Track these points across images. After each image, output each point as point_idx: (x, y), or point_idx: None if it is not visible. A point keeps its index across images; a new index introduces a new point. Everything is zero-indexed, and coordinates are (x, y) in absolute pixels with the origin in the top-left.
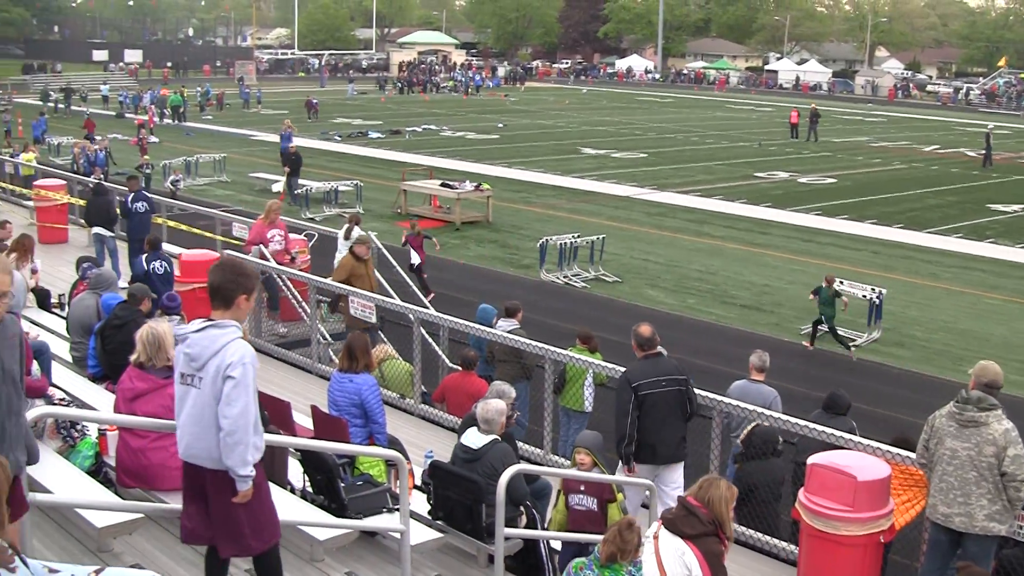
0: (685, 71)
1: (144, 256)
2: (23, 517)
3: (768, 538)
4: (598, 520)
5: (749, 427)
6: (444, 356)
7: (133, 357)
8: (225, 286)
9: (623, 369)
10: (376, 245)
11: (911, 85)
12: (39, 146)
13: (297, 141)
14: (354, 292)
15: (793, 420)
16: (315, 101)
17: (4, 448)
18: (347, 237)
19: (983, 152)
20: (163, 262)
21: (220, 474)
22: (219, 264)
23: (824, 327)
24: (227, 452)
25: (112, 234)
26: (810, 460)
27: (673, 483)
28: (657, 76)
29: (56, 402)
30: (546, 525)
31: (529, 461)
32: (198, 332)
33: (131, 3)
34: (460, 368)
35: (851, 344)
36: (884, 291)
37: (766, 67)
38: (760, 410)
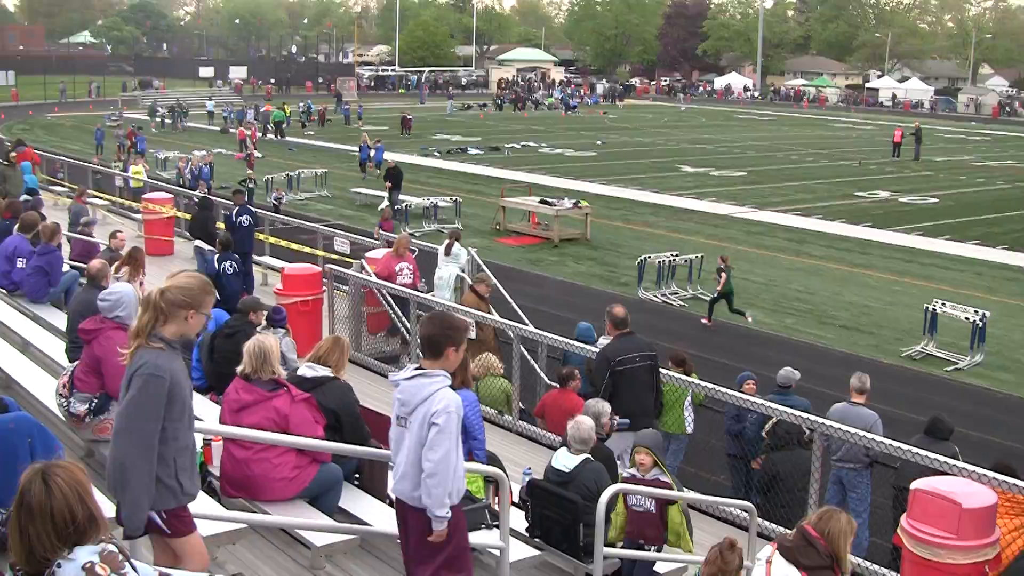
0: (784, 89)
1: (216, 256)
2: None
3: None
4: (656, 523)
5: (773, 420)
6: (542, 373)
7: (239, 368)
8: (435, 338)
9: (723, 389)
10: (477, 262)
11: (1016, 103)
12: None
13: (396, 156)
14: (455, 308)
15: (895, 444)
16: (410, 117)
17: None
18: (447, 253)
19: None
20: (233, 262)
21: (420, 512)
22: (430, 317)
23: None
24: (427, 493)
25: (212, 248)
26: (913, 485)
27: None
28: (756, 94)
29: None
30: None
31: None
32: (409, 380)
33: (237, 21)
34: (557, 385)
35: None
36: (988, 314)
37: (867, 85)
38: (861, 433)
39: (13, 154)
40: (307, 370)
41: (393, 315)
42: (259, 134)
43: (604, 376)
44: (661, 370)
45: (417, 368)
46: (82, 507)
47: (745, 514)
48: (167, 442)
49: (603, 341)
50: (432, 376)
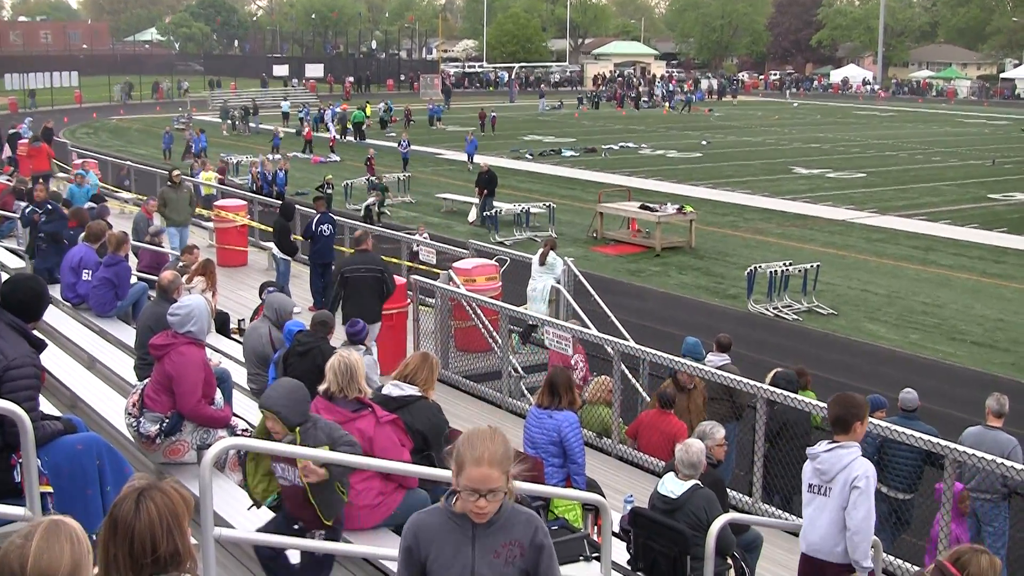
0: (909, 81)
1: (316, 219)
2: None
3: None
4: (302, 502)
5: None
6: (643, 392)
7: (322, 388)
8: (844, 417)
9: None
10: (574, 272)
11: None
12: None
13: (483, 158)
14: (550, 322)
15: None
16: (493, 115)
17: None
18: (542, 263)
19: None
20: (330, 225)
21: (840, 566)
22: (838, 399)
23: None
24: (853, 548)
25: (286, 258)
26: None
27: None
28: (877, 87)
29: (239, 433)
30: None
31: (737, 510)
32: (827, 452)
33: (312, 16)
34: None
35: None
36: None
37: (1002, 75)
38: (998, 460)
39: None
40: (393, 389)
41: (484, 330)
42: (338, 136)
43: (335, 283)
44: (778, 390)
45: (831, 442)
46: (168, 539)
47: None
48: None
49: (712, 358)
50: (848, 447)
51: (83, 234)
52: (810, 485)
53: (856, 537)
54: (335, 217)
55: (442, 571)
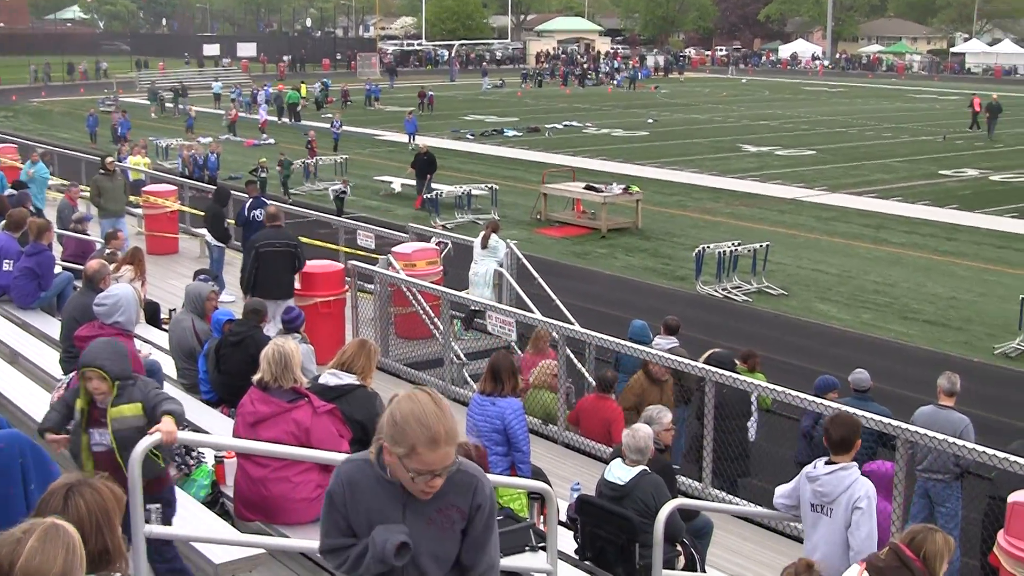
0: (858, 56)
1: (248, 204)
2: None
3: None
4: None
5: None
6: (590, 377)
7: (256, 377)
8: (849, 438)
9: (794, 393)
10: (517, 255)
11: None
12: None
13: (424, 139)
14: (493, 306)
15: (989, 452)
16: (431, 94)
17: None
18: (484, 246)
19: None
20: (263, 210)
21: None
22: (839, 420)
23: None
24: (853, 561)
25: (220, 244)
26: (1011, 498)
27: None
28: (826, 63)
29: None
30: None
31: (686, 495)
32: (829, 475)
33: None
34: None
35: None
36: None
37: (952, 50)
38: (950, 439)
39: None
40: (330, 378)
41: (425, 316)
42: (269, 118)
43: (249, 259)
44: (724, 371)
45: (829, 463)
46: (97, 536)
47: None
48: None
49: (660, 341)
50: (848, 468)
51: (3, 222)
52: (812, 505)
53: (859, 556)
54: (268, 202)
55: (367, 534)
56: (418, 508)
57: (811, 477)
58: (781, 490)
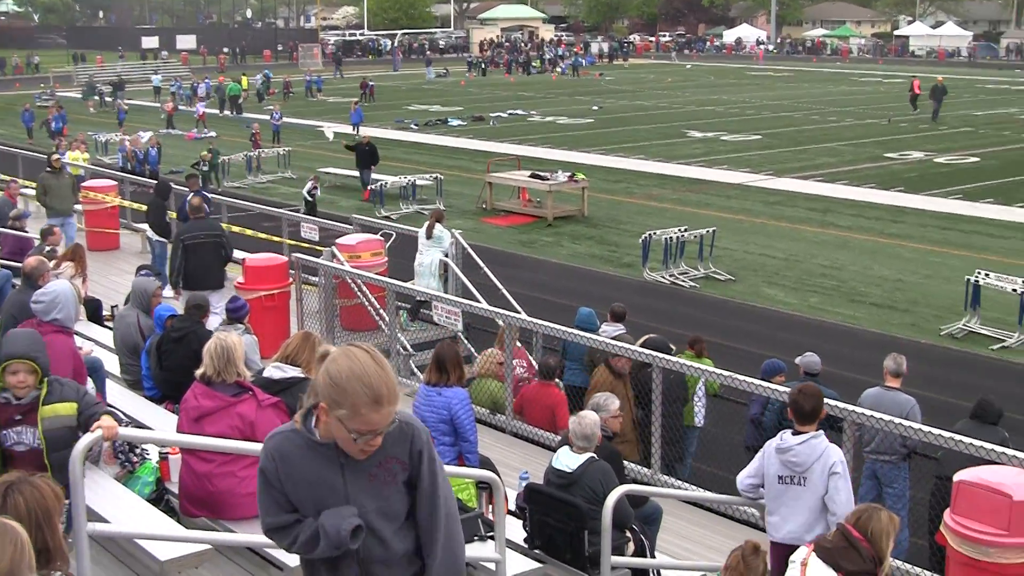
0: (803, 40)
1: (189, 197)
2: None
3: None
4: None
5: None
6: (537, 365)
7: (199, 372)
8: (817, 408)
9: (741, 377)
10: (462, 245)
11: None
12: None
13: (367, 130)
14: (439, 297)
15: (935, 431)
16: (371, 84)
17: None
18: (429, 236)
19: None
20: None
21: None
22: (808, 391)
23: None
24: (832, 526)
25: (162, 239)
26: (957, 477)
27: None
28: (771, 47)
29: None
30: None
31: (636, 482)
32: (801, 444)
33: None
34: (539, 377)
35: None
36: None
37: (895, 32)
38: (897, 420)
39: None
40: (274, 371)
41: (370, 308)
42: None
43: (177, 252)
44: (670, 357)
45: (798, 433)
46: (37, 535)
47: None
48: None
49: (607, 328)
50: (818, 437)
51: None
52: (780, 477)
53: (837, 519)
54: (209, 195)
55: (309, 506)
56: (357, 466)
57: (781, 449)
58: (745, 472)
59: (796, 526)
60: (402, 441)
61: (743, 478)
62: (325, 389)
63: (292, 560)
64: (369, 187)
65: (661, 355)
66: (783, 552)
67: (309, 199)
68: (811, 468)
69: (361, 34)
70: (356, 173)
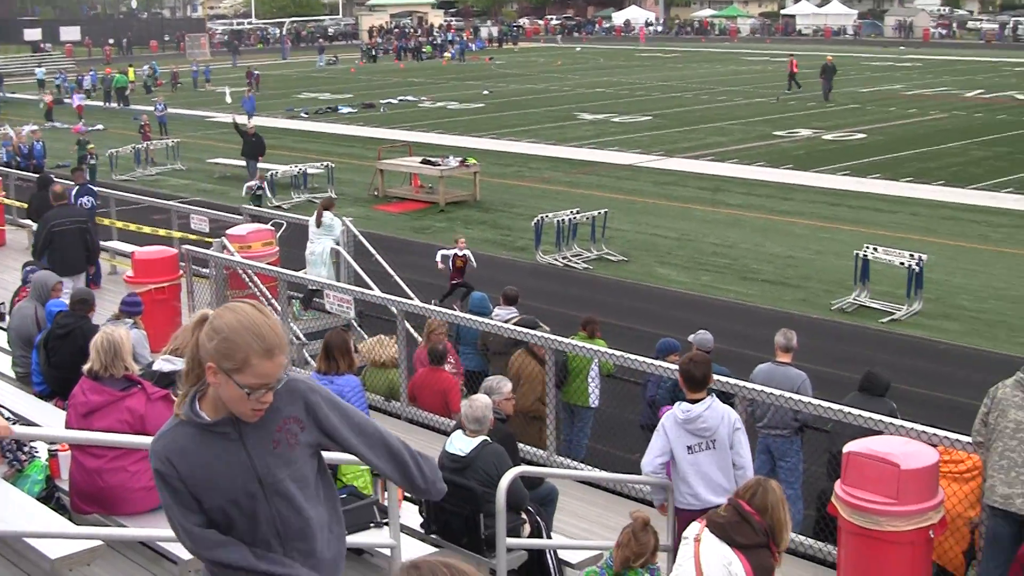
0: (691, 21)
1: (74, 191)
2: None
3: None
4: None
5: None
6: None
7: (86, 367)
8: (707, 374)
9: (633, 357)
10: (354, 232)
11: (950, 23)
12: None
13: (258, 119)
14: (331, 285)
15: (825, 404)
16: (256, 73)
17: None
18: (318, 225)
19: None
20: (91, 197)
21: None
22: (700, 360)
23: None
24: (740, 480)
25: None
26: (846, 448)
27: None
28: (660, 28)
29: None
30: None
31: (532, 463)
32: (707, 410)
33: None
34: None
35: None
36: (925, 257)
37: (782, 12)
38: (788, 395)
39: None
40: (164, 364)
41: (262, 298)
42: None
43: (41, 236)
44: (563, 339)
45: (700, 401)
46: None
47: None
48: None
49: (499, 312)
50: (714, 399)
51: None
52: (688, 447)
53: (746, 472)
54: (95, 188)
55: (218, 493)
56: (257, 436)
57: (688, 419)
58: (651, 454)
59: (709, 489)
60: (294, 399)
61: (650, 460)
62: (212, 345)
63: (186, 553)
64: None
65: (555, 336)
66: (691, 519)
67: (257, 194)
68: (718, 430)
69: (249, 23)
70: (227, 88)
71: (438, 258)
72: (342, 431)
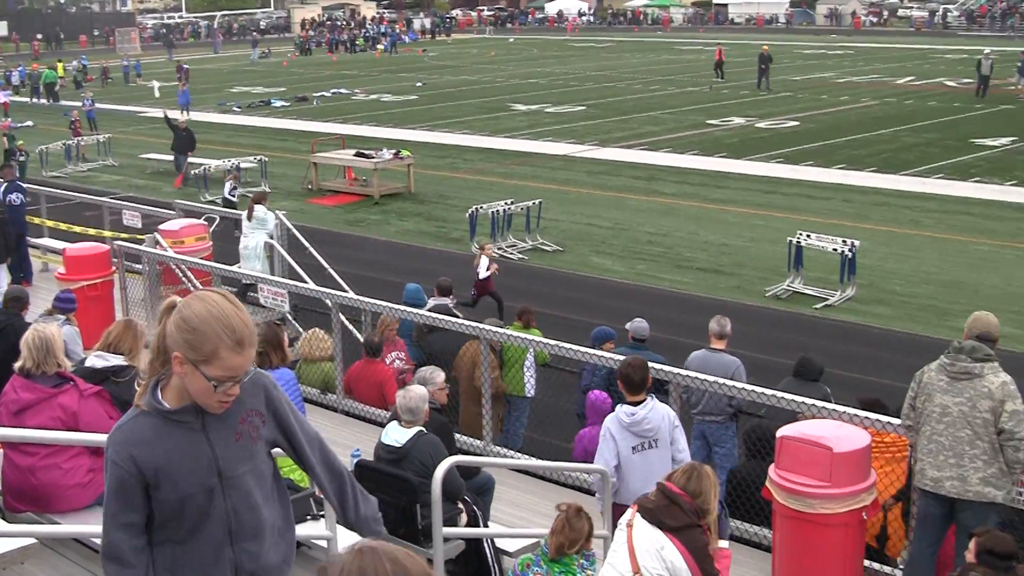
0: (624, 11)
1: (3, 188)
2: None
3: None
4: None
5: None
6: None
7: (18, 364)
8: (646, 377)
9: (568, 346)
10: (287, 226)
11: (880, 11)
12: None
13: (191, 114)
14: (265, 279)
15: (758, 390)
16: (186, 67)
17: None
18: (250, 219)
19: (974, 81)
20: (19, 194)
21: None
22: (638, 363)
23: None
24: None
25: None
26: (780, 432)
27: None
28: (592, 18)
29: None
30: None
31: (468, 453)
32: (649, 411)
33: None
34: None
35: None
36: (857, 243)
37: (715, 1)
38: (722, 381)
39: None
40: (97, 360)
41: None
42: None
43: None
44: (497, 329)
45: (642, 403)
46: None
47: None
48: None
49: (433, 302)
50: (654, 400)
51: None
52: (633, 448)
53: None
54: (25, 185)
55: (176, 486)
56: (220, 427)
57: (633, 423)
58: (603, 460)
59: (651, 486)
60: (256, 392)
61: (606, 464)
62: (180, 336)
63: None
64: (183, 173)
65: (488, 327)
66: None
67: (231, 199)
68: (660, 429)
69: (180, 16)
70: (155, 83)
71: (481, 272)
72: (298, 434)
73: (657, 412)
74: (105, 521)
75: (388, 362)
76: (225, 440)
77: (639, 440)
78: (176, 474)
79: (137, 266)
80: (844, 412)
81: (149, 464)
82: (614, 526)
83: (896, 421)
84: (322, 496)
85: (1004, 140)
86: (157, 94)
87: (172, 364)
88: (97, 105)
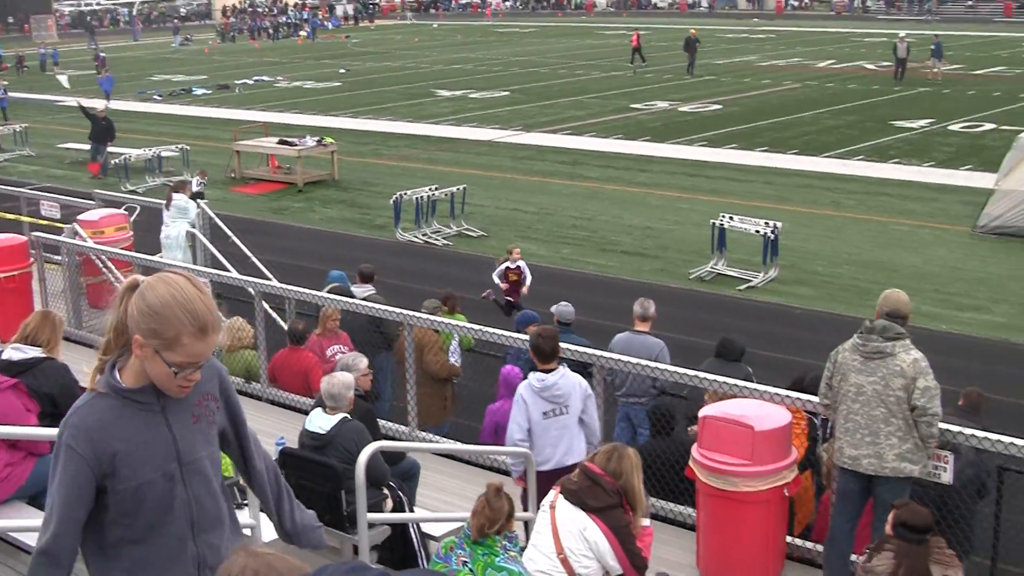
0: None
1: None
2: None
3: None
4: None
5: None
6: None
7: None
8: (556, 346)
9: (491, 330)
10: (209, 215)
11: None
12: None
13: (111, 102)
14: (188, 268)
15: (681, 371)
16: (103, 55)
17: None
18: (168, 208)
19: (892, 64)
20: None
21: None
22: (549, 333)
23: None
24: (590, 437)
25: None
26: (702, 412)
27: None
28: (516, 4)
29: None
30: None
31: (394, 439)
32: (561, 378)
33: None
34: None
35: None
36: (780, 224)
37: None
38: (646, 363)
39: None
40: (14, 353)
41: (117, 284)
42: None
43: None
44: (422, 314)
45: (554, 371)
46: None
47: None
48: None
49: (356, 290)
50: (565, 368)
51: None
52: (544, 413)
53: (595, 435)
54: None
55: (135, 472)
56: (179, 409)
57: (544, 388)
58: (514, 425)
59: (561, 452)
60: (211, 375)
61: (515, 431)
62: (143, 319)
63: None
64: (99, 162)
65: (415, 313)
66: (551, 479)
67: (197, 189)
68: (571, 396)
69: (98, 3)
70: (64, 73)
71: (495, 277)
72: (246, 426)
73: (568, 380)
74: (50, 514)
75: (330, 355)
76: (183, 423)
77: (550, 406)
78: (134, 458)
79: (56, 257)
80: (765, 391)
81: (107, 449)
82: (537, 499)
83: (815, 399)
84: (254, 494)
85: (922, 122)
86: (67, 85)
87: (132, 346)
88: (11, 94)
